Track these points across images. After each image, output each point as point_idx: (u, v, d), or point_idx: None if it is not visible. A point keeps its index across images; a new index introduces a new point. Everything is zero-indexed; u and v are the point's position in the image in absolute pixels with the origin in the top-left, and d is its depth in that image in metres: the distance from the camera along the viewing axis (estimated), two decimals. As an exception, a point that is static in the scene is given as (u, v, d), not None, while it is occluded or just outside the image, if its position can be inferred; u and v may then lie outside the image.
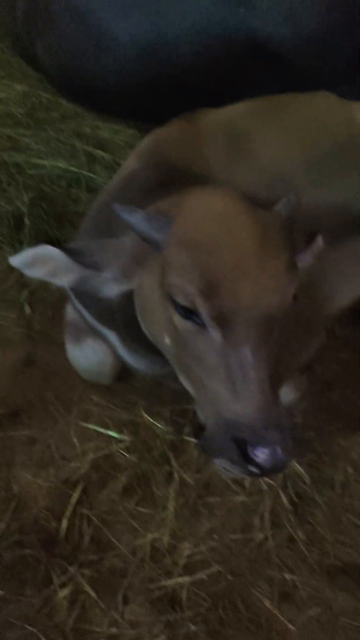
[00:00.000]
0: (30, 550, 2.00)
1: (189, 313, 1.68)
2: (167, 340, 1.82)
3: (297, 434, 2.45)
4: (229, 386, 1.66)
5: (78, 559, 2.01)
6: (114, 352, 2.44)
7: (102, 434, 2.38)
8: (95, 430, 2.39)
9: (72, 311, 2.59)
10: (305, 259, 2.07)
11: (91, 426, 2.40)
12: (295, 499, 2.26)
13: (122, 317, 2.07)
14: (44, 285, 2.98)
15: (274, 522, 2.19)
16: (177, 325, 1.73)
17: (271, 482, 2.25)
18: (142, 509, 2.17)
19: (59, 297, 2.84)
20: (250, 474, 1.65)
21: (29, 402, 2.47)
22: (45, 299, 2.93)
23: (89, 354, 2.52)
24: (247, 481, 2.27)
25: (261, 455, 1.59)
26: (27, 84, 4.55)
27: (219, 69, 3.35)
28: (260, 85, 3.16)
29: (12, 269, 2.99)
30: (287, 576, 2.06)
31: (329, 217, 2.62)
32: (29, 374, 2.57)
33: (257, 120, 2.66)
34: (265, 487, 2.26)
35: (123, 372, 2.58)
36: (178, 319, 1.72)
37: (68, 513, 2.12)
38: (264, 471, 1.63)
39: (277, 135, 2.61)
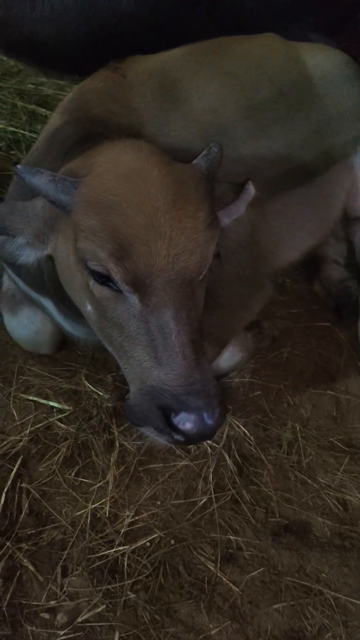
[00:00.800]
0: (-35, 528, 1.96)
1: (104, 278, 1.59)
2: (89, 307, 1.74)
3: (242, 393, 2.40)
4: (150, 352, 1.59)
5: (16, 534, 1.97)
6: (52, 320, 2.36)
7: (42, 405, 2.32)
8: (35, 402, 2.32)
9: (8, 280, 2.49)
10: (237, 210, 1.97)
11: (31, 397, 2.33)
12: (240, 460, 2.22)
13: (53, 283, 1.98)
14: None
15: (218, 485, 2.15)
16: (94, 292, 1.65)
17: (215, 444, 2.21)
18: (82, 479, 2.12)
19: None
20: (176, 442, 1.59)
21: (-33, 376, 2.39)
22: (-15, 269, 2.81)
23: (26, 324, 2.43)
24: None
25: (185, 422, 1.53)
26: (-35, 42, 4.29)
27: (159, 14, 3.17)
28: (202, 30, 2.98)
29: None
30: (232, 538, 2.04)
31: (271, 168, 2.51)
32: (-35, 347, 2.49)
33: (192, 67, 2.51)
34: (209, 450, 2.21)
35: (65, 341, 2.50)
36: (94, 285, 1.63)
37: (7, 487, 2.07)
38: (190, 438, 1.57)
39: (213, 82, 2.46)
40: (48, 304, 2.21)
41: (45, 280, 2.03)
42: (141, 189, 1.56)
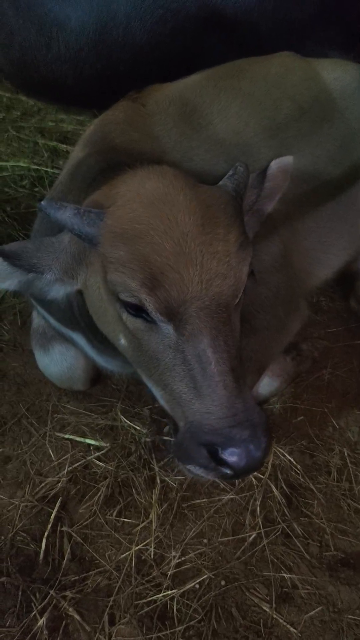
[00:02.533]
0: (7, 578, 1.88)
1: (137, 310, 1.53)
2: (123, 341, 1.68)
3: (284, 419, 2.30)
4: (189, 384, 1.52)
5: (59, 581, 1.89)
6: (84, 355, 2.31)
7: (79, 443, 2.25)
8: (71, 440, 2.26)
9: (38, 317, 2.46)
10: (270, 204, 1.91)
11: (67, 436, 2.27)
12: (288, 491, 2.11)
13: (84, 317, 1.93)
14: (11, 292, 2.84)
15: (267, 518, 2.04)
16: (128, 325, 1.59)
17: (260, 475, 2.10)
18: (124, 519, 2.04)
19: (28, 304, 2.71)
20: (225, 477, 1.51)
21: (2, 417, 2.34)
22: (15, 307, 2.79)
23: (58, 360, 2.38)
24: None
25: (232, 456, 1.45)
26: (-15, 86, 4.41)
27: (174, 43, 3.18)
28: (218, 55, 2.97)
29: (-23, 279, 2.88)
30: (285, 575, 1.92)
31: (299, 185, 2.44)
32: (0, 388, 2.44)
33: (211, 91, 2.48)
34: (254, 481, 2.11)
35: (99, 375, 2.45)
36: (127, 318, 1.57)
37: (47, 532, 1.99)
38: (238, 472, 1.48)
39: (234, 104, 2.42)
40: (79, 338, 2.17)
41: (76, 314, 1.99)
42: (168, 215, 1.51)
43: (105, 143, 2.14)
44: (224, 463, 1.45)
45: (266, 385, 2.44)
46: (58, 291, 1.74)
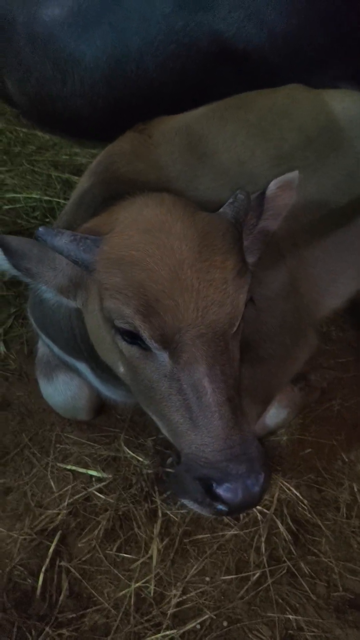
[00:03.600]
0: (3, 614, 1.83)
1: (132, 337, 1.51)
2: (122, 369, 1.66)
3: (291, 452, 2.23)
4: (185, 414, 1.48)
5: (56, 619, 1.82)
6: (88, 384, 2.29)
7: (81, 474, 2.21)
8: (73, 471, 2.22)
9: (42, 346, 2.45)
10: (275, 223, 1.88)
11: (69, 467, 2.23)
12: (295, 527, 2.03)
13: (86, 345, 1.91)
14: (20, 321, 2.85)
15: (272, 556, 1.97)
16: (124, 352, 1.56)
17: (265, 510, 2.03)
18: (124, 555, 1.97)
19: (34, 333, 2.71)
20: (220, 513, 1.45)
21: (4, 447, 2.31)
22: (22, 335, 2.79)
23: (62, 389, 2.36)
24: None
25: (227, 492, 1.40)
26: (4, 121, 4.52)
27: (186, 76, 3.22)
28: (229, 87, 3.01)
29: (-14, 308, 2.90)
30: (291, 617, 1.83)
31: (305, 214, 2.43)
32: (4, 417, 2.42)
33: (217, 122, 2.50)
34: (259, 516, 2.04)
35: (103, 405, 2.42)
36: (123, 345, 1.55)
37: (45, 567, 1.94)
38: (234, 508, 1.43)
39: (240, 134, 2.44)
40: (83, 367, 2.15)
41: (78, 342, 1.97)
42: (164, 242, 1.49)
43: (110, 173, 2.15)
44: (219, 499, 1.40)
45: (273, 416, 2.39)
46: (51, 298, 1.72)
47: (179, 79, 3.22)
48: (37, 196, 3.67)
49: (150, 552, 1.94)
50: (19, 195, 3.71)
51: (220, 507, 1.41)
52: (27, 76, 3.45)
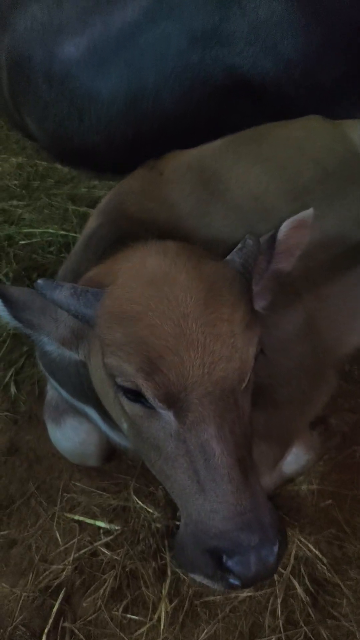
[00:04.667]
0: None
1: (135, 395, 1.42)
2: (125, 425, 1.57)
3: (310, 504, 2.10)
4: (192, 477, 1.38)
5: None
6: (97, 430, 2.21)
7: (88, 525, 2.11)
8: (81, 522, 2.12)
9: (52, 389, 2.39)
10: (289, 263, 1.79)
11: (77, 517, 2.13)
12: (313, 588, 1.89)
13: (93, 392, 1.84)
14: (32, 361, 2.80)
15: (289, 620, 1.83)
16: (127, 410, 1.48)
17: (281, 569, 1.90)
18: (131, 616, 1.86)
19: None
20: (232, 587, 1.34)
21: (10, 496, 2.23)
22: (34, 376, 2.73)
23: (70, 435, 2.28)
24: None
25: (239, 565, 1.29)
26: (24, 156, 4.56)
27: (202, 111, 3.19)
28: (245, 119, 2.97)
29: (-3, 348, 2.85)
30: None
31: (324, 250, 2.34)
32: (11, 464, 2.35)
33: (230, 156, 2.44)
34: (275, 576, 1.90)
35: (114, 451, 2.33)
36: (126, 403, 1.46)
37: (48, 628, 1.84)
38: (248, 583, 1.32)
39: (254, 169, 2.37)
40: (92, 412, 2.07)
41: (86, 389, 1.90)
42: (168, 295, 1.41)
43: (119, 212, 2.10)
44: (231, 572, 1.29)
45: (291, 463, 2.26)
46: (54, 350, 1.66)
47: (195, 113, 3.19)
48: (54, 231, 3.65)
49: (158, 613, 1.82)
50: (35, 230, 3.70)
51: (233, 580, 1.30)
52: (45, 114, 3.46)
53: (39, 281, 1.50)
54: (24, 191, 4.16)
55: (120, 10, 3.18)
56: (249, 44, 3.04)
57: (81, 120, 3.40)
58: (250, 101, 3.17)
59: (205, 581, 1.34)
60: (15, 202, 4.04)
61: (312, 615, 1.83)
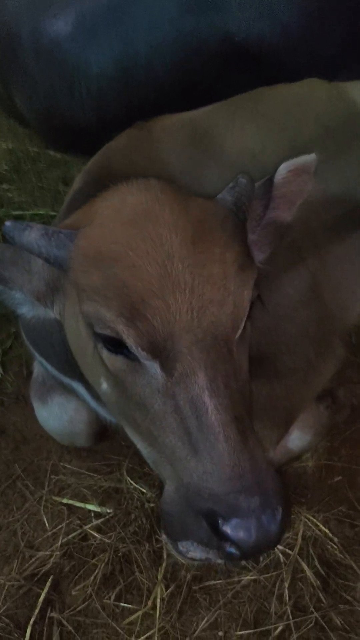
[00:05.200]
0: None
1: (116, 345, 1.26)
2: (105, 385, 1.41)
3: (318, 480, 1.93)
4: (183, 437, 1.21)
5: None
6: (87, 407, 2.05)
7: (78, 508, 1.95)
8: (70, 505, 1.96)
9: (38, 366, 2.23)
10: (289, 213, 1.63)
11: (65, 500, 1.97)
12: (324, 570, 1.72)
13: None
14: (20, 341, 2.64)
15: (297, 606, 1.66)
16: (108, 365, 1.32)
17: (288, 550, 1.73)
18: (124, 604, 1.70)
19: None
20: (230, 558, 1.17)
21: (-5, 479, 2.08)
22: (22, 357, 2.57)
23: (58, 412, 2.12)
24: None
25: (238, 530, 1.12)
26: (16, 141, 4.41)
27: (197, 81, 3.05)
28: (243, 90, 2.81)
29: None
30: None
31: (326, 210, 2.18)
32: (-4, 445, 2.20)
33: (225, 115, 2.30)
34: (281, 558, 1.74)
35: (106, 431, 2.16)
36: (107, 356, 1.30)
37: (33, 619, 1.68)
38: (247, 551, 1.14)
39: (250, 126, 2.21)
40: (79, 387, 1.92)
41: (71, 359, 1.74)
42: (151, 233, 1.25)
43: (105, 171, 1.95)
44: (228, 539, 1.12)
45: (296, 439, 2.09)
46: (28, 311, 1.51)
47: (191, 84, 3.05)
48: (44, 212, 3.50)
49: (152, 600, 1.65)
50: (25, 212, 3.56)
51: (231, 549, 1.14)
52: (35, 91, 3.33)
53: (7, 223, 1.35)
54: (14, 175, 4.01)
55: None
56: (243, 8, 2.90)
57: (72, 95, 3.26)
58: (248, 70, 3.02)
59: (200, 551, 1.17)
60: (4, 186, 3.90)
61: (323, 601, 1.67)
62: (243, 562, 1.70)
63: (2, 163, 4.15)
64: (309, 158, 1.58)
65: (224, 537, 1.12)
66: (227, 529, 1.11)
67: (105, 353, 1.30)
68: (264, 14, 2.89)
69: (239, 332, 1.28)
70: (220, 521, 1.12)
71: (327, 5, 2.88)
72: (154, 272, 1.21)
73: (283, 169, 1.55)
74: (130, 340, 1.20)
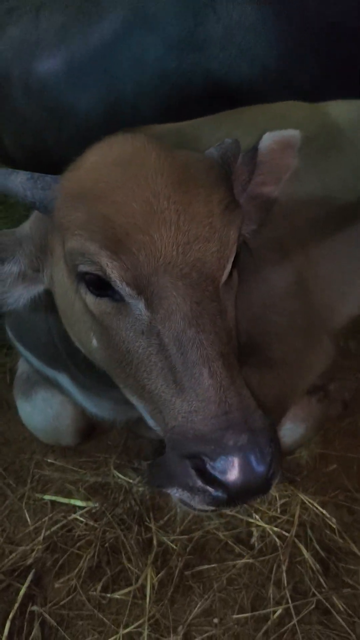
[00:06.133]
0: None
1: (101, 287, 1.23)
2: (94, 341, 1.36)
3: (312, 468, 1.86)
4: (168, 376, 1.17)
5: None
6: (72, 402, 1.99)
7: (61, 504, 1.84)
8: (53, 501, 1.86)
9: (23, 363, 2.18)
10: (274, 187, 1.64)
11: (47, 497, 1.87)
12: (324, 554, 1.63)
13: (65, 346, 1.65)
14: (5, 351, 2.59)
15: (297, 590, 1.56)
16: (94, 312, 1.28)
17: (284, 532, 1.64)
18: (111, 595, 1.57)
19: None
20: (217, 502, 1.09)
21: (-26, 479, 1.97)
22: (6, 364, 2.51)
23: (42, 407, 2.05)
24: (253, 536, 1.67)
25: (224, 467, 1.05)
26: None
27: (181, 115, 3.18)
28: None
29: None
30: (326, 667, 1.40)
31: (309, 209, 2.23)
32: (-24, 447, 2.10)
33: (211, 124, 2.39)
34: (277, 541, 1.64)
35: (92, 430, 2.09)
36: (92, 302, 1.27)
37: (12, 614, 1.55)
38: (235, 494, 1.07)
39: (235, 133, 2.27)
40: (65, 380, 1.86)
41: (57, 345, 1.71)
42: (137, 174, 1.26)
43: None
44: (215, 480, 1.05)
45: (289, 431, 2.04)
46: (20, 295, 1.47)
47: (174, 120, 3.17)
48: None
49: (141, 584, 1.53)
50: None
51: (217, 493, 1.06)
52: (23, 128, 3.42)
53: None
54: (0, 206, 4.08)
55: (98, 23, 3.20)
56: (224, 48, 3.05)
57: (59, 131, 3.35)
58: (228, 105, 3.15)
59: (185, 496, 1.10)
60: (-9, 216, 3.96)
61: (324, 585, 1.56)
62: (237, 546, 1.60)
63: (-10, 200, 4.23)
64: (293, 132, 1.61)
65: (209, 479, 1.06)
66: (212, 467, 1.05)
67: (89, 298, 1.27)
68: (243, 53, 3.04)
69: (226, 272, 1.26)
70: (205, 460, 1.06)
71: (305, 41, 3.04)
72: (139, 209, 1.21)
73: (267, 138, 1.58)
74: (114, 274, 1.18)
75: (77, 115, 3.23)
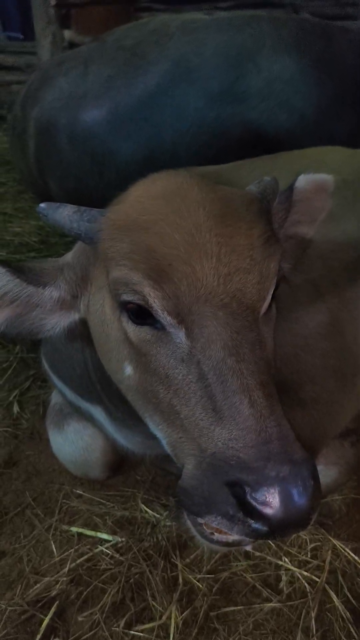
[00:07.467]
0: None
1: (142, 316, 1.27)
2: (128, 369, 1.38)
3: (344, 514, 1.81)
4: (207, 404, 1.18)
5: None
6: (103, 435, 2.00)
7: (88, 537, 1.83)
8: (81, 534, 1.84)
9: (56, 395, 2.21)
10: (309, 228, 1.68)
11: (74, 529, 1.86)
12: (355, 602, 1.57)
13: (99, 378, 1.68)
14: (38, 384, 2.63)
15: (326, 638, 1.49)
16: (132, 339, 1.31)
17: (314, 577, 1.59)
18: (135, 632, 1.54)
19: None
20: (256, 534, 1.08)
21: (4, 508, 1.97)
22: (39, 397, 2.55)
23: (73, 439, 2.07)
24: (282, 580, 1.62)
25: (266, 498, 1.04)
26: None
27: (218, 163, 3.28)
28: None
29: (4, 369, 2.71)
30: None
31: (346, 251, 2.25)
32: (7, 476, 2.11)
33: (246, 168, 2.45)
34: (307, 587, 1.59)
35: (121, 464, 2.09)
36: (133, 330, 1.30)
37: (34, 646, 1.53)
38: (276, 526, 1.05)
39: (270, 176, 2.36)
40: (98, 412, 1.88)
41: (92, 376, 1.74)
42: (180, 207, 1.31)
43: None
44: (255, 512, 1.04)
45: (320, 474, 1.99)
46: (56, 323, 1.51)
47: (212, 165, 3.27)
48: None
49: (163, 622, 1.50)
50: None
51: (257, 525, 1.05)
52: (67, 173, 3.58)
53: (41, 205, 1.41)
54: (42, 245, 4.21)
55: (143, 75, 3.36)
56: (263, 99, 3.16)
57: (101, 176, 3.48)
58: (266, 153, 3.24)
59: (224, 524, 1.09)
60: (33, 254, 4.08)
61: (355, 634, 1.50)
62: (265, 590, 1.56)
63: (32, 236, 4.38)
64: (327, 176, 1.66)
65: (250, 510, 1.05)
66: (254, 498, 1.04)
67: (130, 327, 1.30)
68: (282, 104, 3.14)
69: (265, 304, 1.28)
70: (247, 490, 1.05)
71: (343, 93, 3.13)
72: (182, 240, 1.25)
73: (302, 179, 1.62)
74: (156, 304, 1.21)
75: (118, 161, 3.36)
